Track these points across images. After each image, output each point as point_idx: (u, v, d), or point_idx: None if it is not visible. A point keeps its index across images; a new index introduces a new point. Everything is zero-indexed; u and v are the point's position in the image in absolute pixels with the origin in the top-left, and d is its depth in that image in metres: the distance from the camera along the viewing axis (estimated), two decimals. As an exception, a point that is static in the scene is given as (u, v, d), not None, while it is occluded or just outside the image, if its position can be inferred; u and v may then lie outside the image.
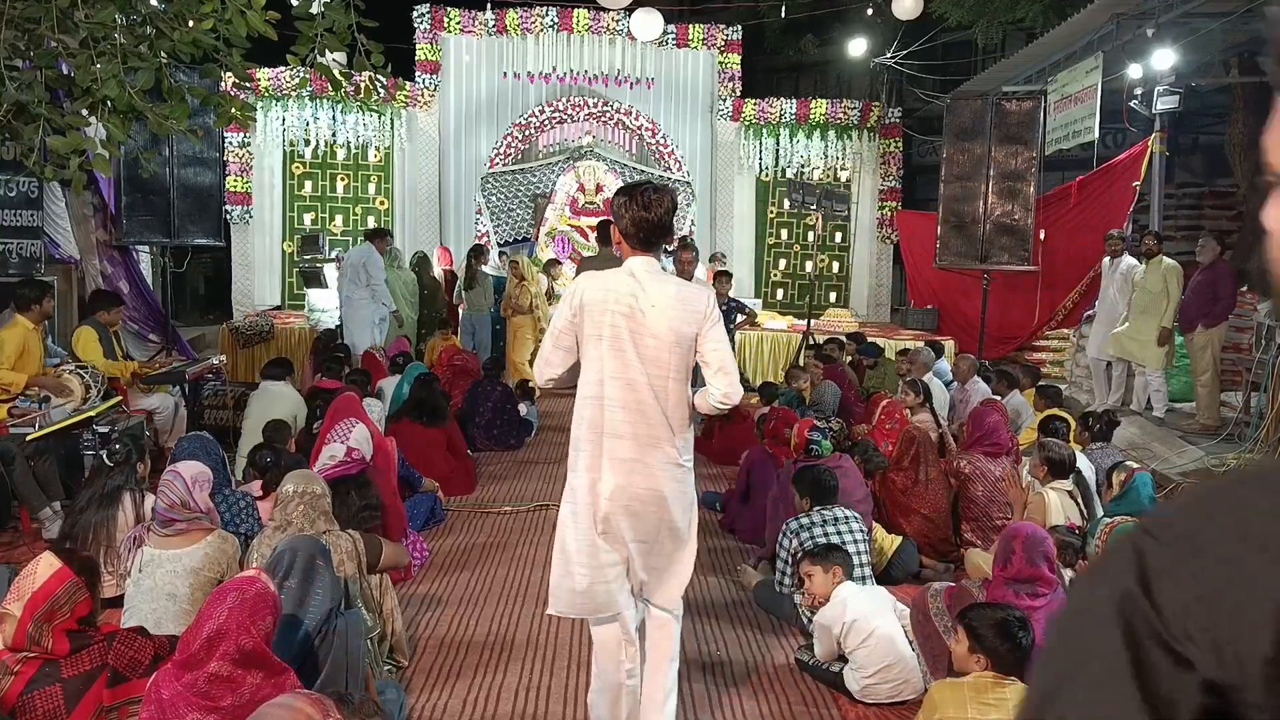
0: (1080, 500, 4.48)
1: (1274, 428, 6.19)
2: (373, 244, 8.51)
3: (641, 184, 2.82)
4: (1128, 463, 4.30)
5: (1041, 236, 9.11)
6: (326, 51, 3.74)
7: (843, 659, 3.53)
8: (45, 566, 2.51)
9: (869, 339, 9.18)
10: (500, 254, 11.43)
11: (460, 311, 10.21)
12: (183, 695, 2.19)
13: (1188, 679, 0.58)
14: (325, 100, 11.52)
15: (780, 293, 12.97)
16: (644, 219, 2.74)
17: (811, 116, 12.59)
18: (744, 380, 2.24)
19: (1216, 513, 0.61)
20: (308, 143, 11.75)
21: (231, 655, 2.21)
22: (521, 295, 9.22)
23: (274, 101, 11.59)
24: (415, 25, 12.24)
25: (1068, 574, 3.60)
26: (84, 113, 3.77)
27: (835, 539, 4.01)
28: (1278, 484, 0.63)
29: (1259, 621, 0.56)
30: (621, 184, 12.42)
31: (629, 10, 11.06)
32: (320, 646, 2.71)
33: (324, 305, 9.99)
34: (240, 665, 2.21)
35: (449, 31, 12.32)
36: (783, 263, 13.00)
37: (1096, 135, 8.95)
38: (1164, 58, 8.29)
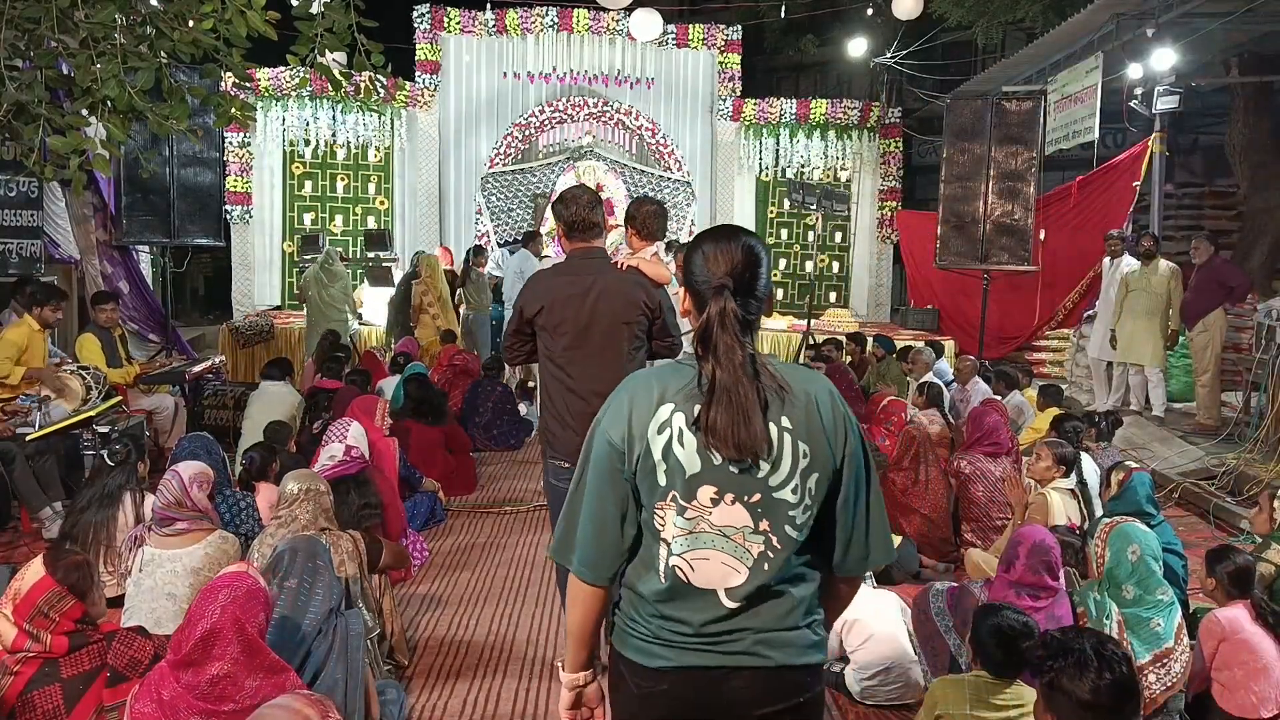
0: (1081, 500, 4.47)
1: (1274, 428, 6.19)
2: (526, 248, 8.72)
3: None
4: (1126, 462, 4.30)
5: (1041, 236, 9.11)
6: (326, 51, 3.73)
7: (843, 659, 3.53)
8: (33, 573, 2.50)
9: (871, 339, 9.18)
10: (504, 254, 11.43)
11: (460, 312, 10.21)
12: (183, 698, 2.18)
13: None
14: (325, 100, 11.52)
15: (780, 293, 12.96)
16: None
17: (811, 116, 12.59)
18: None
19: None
20: (308, 143, 11.75)
21: (231, 654, 2.19)
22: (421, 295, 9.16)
23: (274, 101, 11.59)
24: (415, 25, 12.24)
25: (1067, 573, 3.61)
26: (84, 113, 3.77)
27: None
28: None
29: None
30: (622, 184, 12.49)
31: (629, 10, 11.06)
32: (320, 646, 2.71)
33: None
34: (240, 663, 2.20)
35: (449, 31, 12.33)
36: (783, 263, 13.00)
37: (1096, 135, 8.95)
38: (1164, 58, 8.29)
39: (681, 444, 1.61)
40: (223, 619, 2.20)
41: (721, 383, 1.57)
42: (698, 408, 1.59)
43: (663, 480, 1.62)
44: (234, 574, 2.34)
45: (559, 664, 1.84)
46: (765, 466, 1.60)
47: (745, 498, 1.60)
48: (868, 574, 3.97)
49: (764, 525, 1.61)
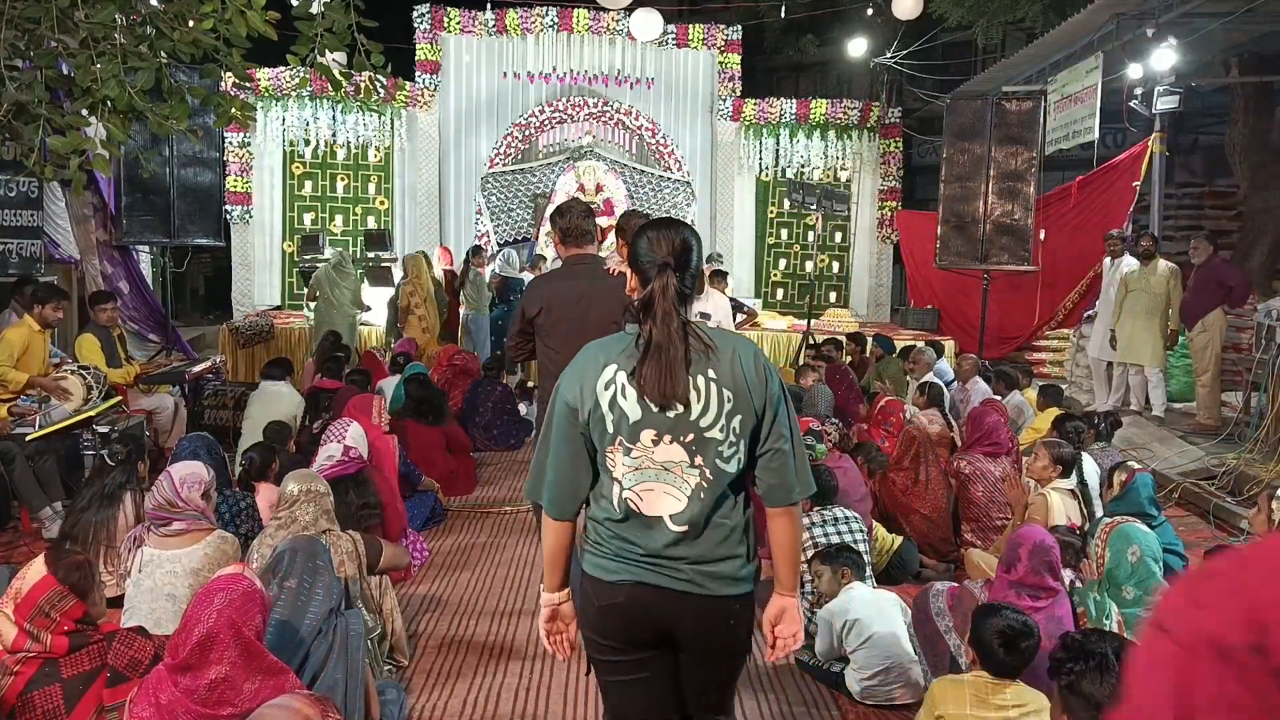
0: (1081, 500, 4.47)
1: (1274, 428, 6.18)
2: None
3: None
4: (1129, 463, 4.29)
5: (1041, 236, 9.11)
6: (326, 51, 3.73)
7: (843, 659, 3.53)
8: (34, 572, 2.50)
9: (871, 339, 9.19)
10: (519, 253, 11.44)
11: (460, 312, 10.22)
12: (181, 702, 2.16)
13: None
14: (325, 100, 11.53)
15: (780, 293, 12.97)
16: None
17: (811, 116, 12.60)
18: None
19: None
20: (308, 143, 11.75)
21: (229, 657, 2.18)
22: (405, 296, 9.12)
23: (274, 101, 11.60)
24: (415, 25, 12.25)
25: (1067, 574, 3.61)
26: (84, 113, 3.77)
27: (835, 539, 4.01)
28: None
29: None
30: (622, 184, 12.50)
31: (629, 10, 11.06)
32: (320, 647, 2.71)
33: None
34: (238, 666, 2.20)
35: (449, 31, 12.33)
36: (783, 263, 13.00)
37: (1096, 135, 8.95)
38: (1164, 58, 8.29)
39: (624, 396, 1.94)
40: (219, 622, 2.18)
41: (656, 341, 1.91)
42: (633, 365, 1.93)
43: (610, 428, 1.96)
44: (230, 576, 2.32)
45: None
46: (696, 410, 1.93)
47: (681, 438, 1.94)
48: (868, 574, 3.97)
49: (698, 460, 1.95)
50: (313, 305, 9.41)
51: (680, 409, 1.92)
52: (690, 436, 1.93)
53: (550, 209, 11.72)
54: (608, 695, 2.17)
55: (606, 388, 1.95)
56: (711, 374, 1.94)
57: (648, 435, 1.94)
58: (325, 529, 3.39)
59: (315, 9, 3.69)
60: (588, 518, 2.08)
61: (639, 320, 1.95)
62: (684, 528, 1.95)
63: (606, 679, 2.14)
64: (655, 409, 1.92)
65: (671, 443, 1.94)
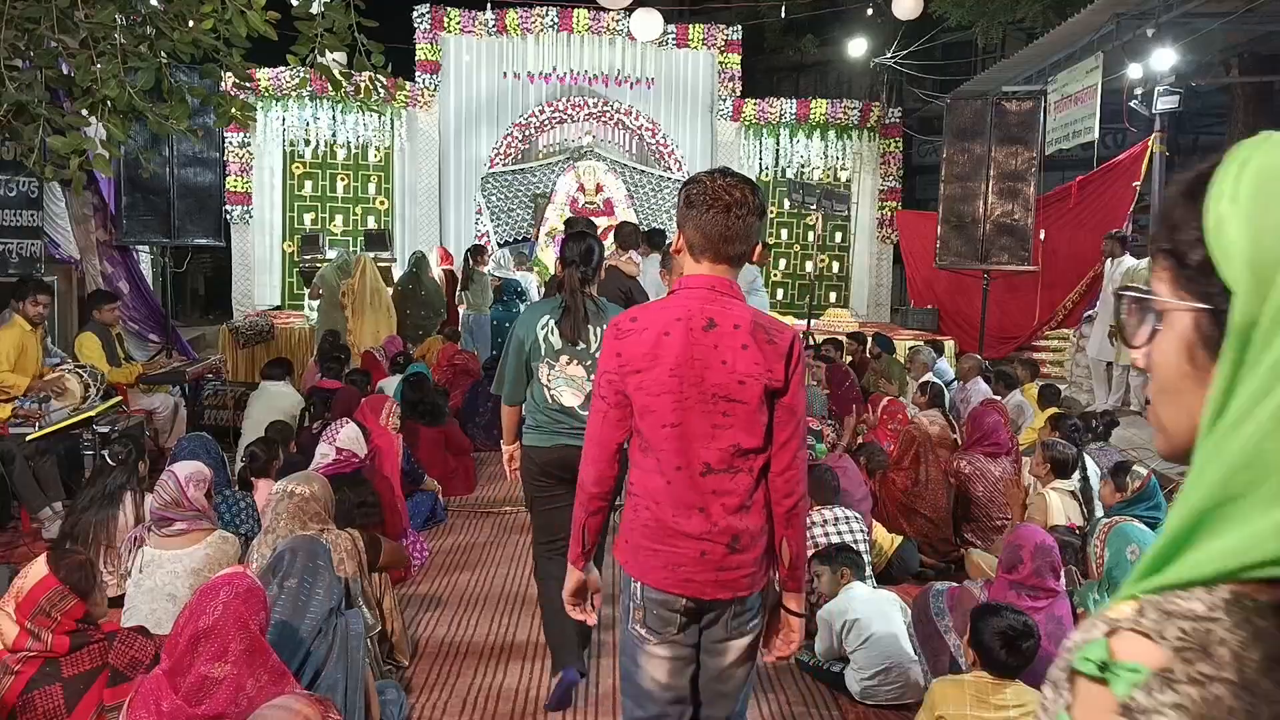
0: (1081, 500, 4.47)
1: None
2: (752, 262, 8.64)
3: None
4: (1137, 468, 4.29)
5: (1041, 236, 9.11)
6: (326, 51, 3.74)
7: (843, 659, 3.53)
8: (36, 571, 2.51)
9: (870, 338, 9.18)
10: (510, 254, 11.42)
11: (460, 312, 10.22)
12: (182, 709, 2.12)
13: None
14: (325, 100, 11.52)
15: (780, 293, 12.96)
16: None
17: (811, 116, 12.59)
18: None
19: None
20: (308, 143, 11.75)
21: (233, 653, 2.16)
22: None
23: (274, 101, 11.60)
24: (415, 25, 12.24)
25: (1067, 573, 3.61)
26: (84, 113, 3.78)
27: (835, 539, 4.01)
28: None
29: None
30: (622, 184, 12.51)
31: (629, 10, 11.05)
32: (320, 646, 2.71)
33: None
34: (242, 663, 2.19)
35: (449, 31, 12.32)
36: (783, 263, 13.00)
37: (1096, 135, 8.95)
38: (1164, 58, 8.29)
39: (552, 334, 3.25)
40: (225, 616, 2.16)
41: (568, 305, 3.28)
42: (558, 316, 3.27)
43: (542, 353, 3.26)
44: (232, 574, 2.31)
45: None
46: (592, 345, 3.23)
47: (581, 361, 3.25)
48: (868, 574, 3.97)
49: (590, 375, 3.17)
50: (315, 305, 9.40)
51: (582, 345, 3.24)
52: (587, 361, 3.23)
53: (550, 209, 11.81)
54: (537, 517, 3.40)
55: (541, 329, 3.25)
56: (599, 327, 3.22)
57: (563, 359, 3.25)
58: (322, 529, 3.38)
59: (315, 9, 3.69)
60: (525, 412, 3.36)
61: (559, 292, 3.36)
62: (584, 411, 3.10)
63: (539, 507, 3.35)
64: (568, 343, 3.24)
65: (576, 364, 3.25)
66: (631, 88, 12.60)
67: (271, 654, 2.26)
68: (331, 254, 9.93)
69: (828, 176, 12.66)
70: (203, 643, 2.14)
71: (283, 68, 11.13)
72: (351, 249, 10.92)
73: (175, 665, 2.15)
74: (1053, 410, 5.99)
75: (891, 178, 12.85)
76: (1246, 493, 0.61)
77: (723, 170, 2.10)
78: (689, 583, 2.04)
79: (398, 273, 10.04)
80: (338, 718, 2.14)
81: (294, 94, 11.48)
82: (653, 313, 2.10)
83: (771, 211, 12.89)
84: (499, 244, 12.09)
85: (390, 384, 6.90)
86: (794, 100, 12.85)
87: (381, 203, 12.15)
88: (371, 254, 10.62)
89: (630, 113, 12.48)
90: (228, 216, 10.84)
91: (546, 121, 12.48)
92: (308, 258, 10.43)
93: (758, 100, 12.64)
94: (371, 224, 11.94)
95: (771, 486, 2.07)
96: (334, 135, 11.75)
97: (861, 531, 4.15)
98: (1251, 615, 0.59)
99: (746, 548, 2.05)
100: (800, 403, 2.08)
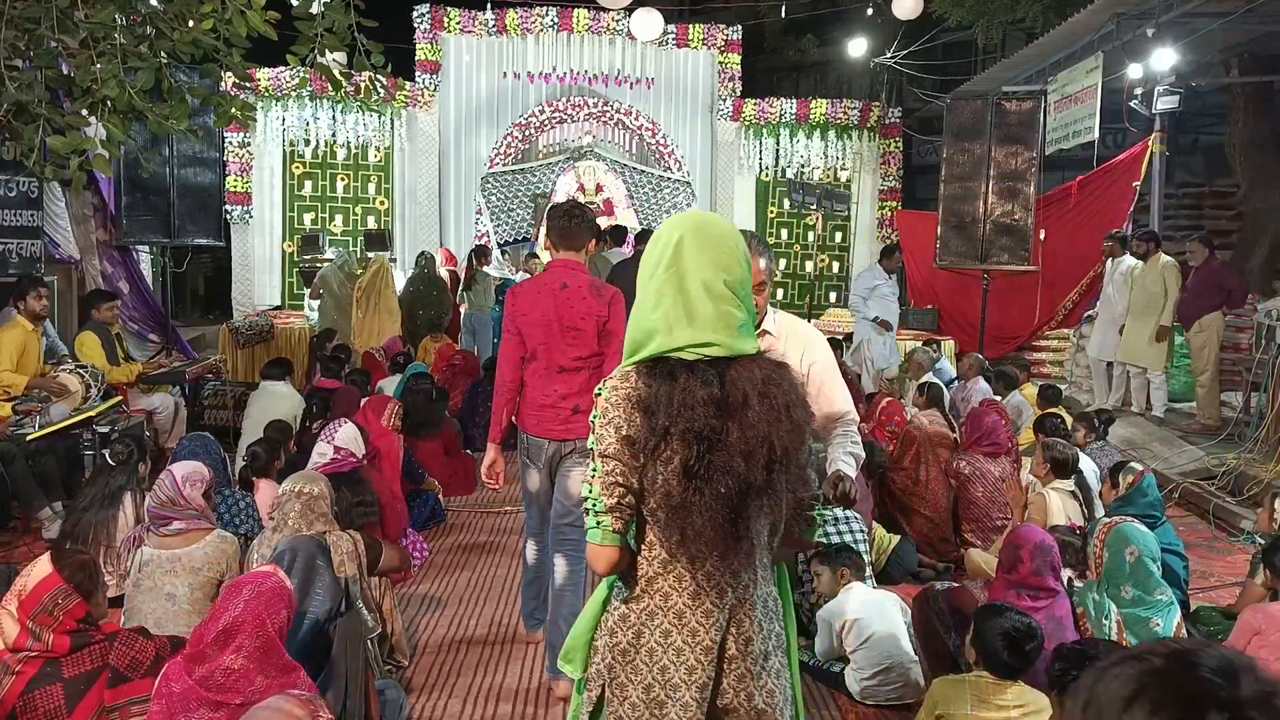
0: (1081, 500, 4.47)
1: (1274, 428, 6.18)
2: (881, 264, 9.00)
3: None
4: (1133, 465, 4.29)
5: (1041, 236, 9.10)
6: (326, 51, 3.73)
7: (843, 659, 3.53)
8: (39, 570, 2.51)
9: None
10: (503, 253, 11.43)
11: (461, 312, 10.22)
12: (194, 690, 2.19)
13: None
14: (325, 100, 11.52)
15: (780, 293, 12.96)
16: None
17: (811, 116, 12.59)
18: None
19: None
20: (308, 143, 11.75)
21: (247, 649, 2.21)
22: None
23: (274, 101, 11.59)
24: (415, 25, 12.24)
25: (1066, 573, 3.61)
26: (84, 113, 3.77)
27: (835, 539, 4.01)
28: None
29: None
30: (622, 184, 12.55)
31: (629, 10, 11.05)
32: (320, 647, 2.71)
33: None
34: (254, 658, 2.21)
35: (449, 31, 12.32)
36: (783, 263, 12.98)
37: (1096, 135, 8.94)
38: (1164, 58, 8.28)
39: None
40: (245, 613, 2.23)
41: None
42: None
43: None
44: (260, 573, 2.40)
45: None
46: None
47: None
48: (868, 574, 3.98)
49: None
50: (315, 304, 9.40)
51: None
52: None
53: (550, 209, 11.83)
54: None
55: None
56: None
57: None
58: (323, 530, 3.38)
59: (315, 9, 3.69)
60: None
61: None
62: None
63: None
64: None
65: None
66: (631, 88, 12.60)
67: (284, 653, 2.31)
68: (331, 254, 9.93)
69: (828, 176, 12.66)
70: (222, 633, 2.23)
71: (283, 68, 11.13)
72: (351, 249, 10.94)
73: (195, 654, 2.24)
74: (1045, 410, 6.00)
75: (891, 178, 12.85)
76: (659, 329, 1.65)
77: (572, 201, 3.61)
78: (549, 431, 3.41)
79: (398, 272, 10.03)
80: (328, 717, 2.15)
81: (294, 94, 11.48)
82: (533, 281, 3.54)
83: (771, 211, 12.90)
84: (499, 244, 12.10)
85: (390, 384, 6.91)
86: (794, 100, 12.85)
87: (381, 203, 12.15)
88: (372, 254, 10.64)
89: (630, 113, 12.48)
90: (228, 216, 10.84)
91: (546, 121, 12.48)
92: (308, 258, 10.43)
93: (758, 100, 12.64)
94: (371, 224, 11.94)
95: (605, 372, 3.16)
96: (334, 135, 11.75)
97: (861, 531, 4.15)
98: (643, 368, 1.66)
99: (583, 411, 3.30)
100: (619, 329, 3.28)
